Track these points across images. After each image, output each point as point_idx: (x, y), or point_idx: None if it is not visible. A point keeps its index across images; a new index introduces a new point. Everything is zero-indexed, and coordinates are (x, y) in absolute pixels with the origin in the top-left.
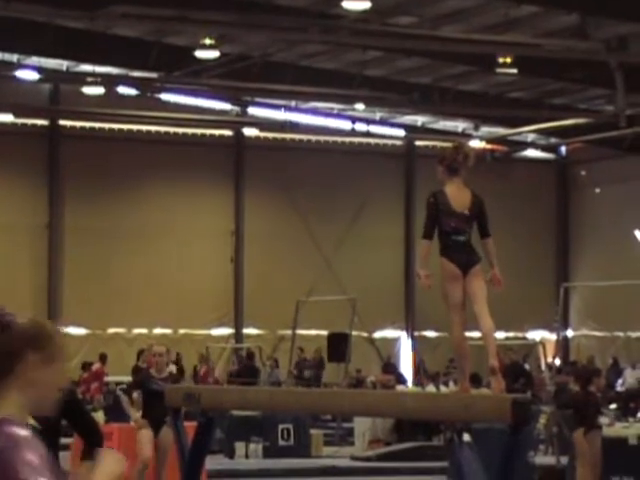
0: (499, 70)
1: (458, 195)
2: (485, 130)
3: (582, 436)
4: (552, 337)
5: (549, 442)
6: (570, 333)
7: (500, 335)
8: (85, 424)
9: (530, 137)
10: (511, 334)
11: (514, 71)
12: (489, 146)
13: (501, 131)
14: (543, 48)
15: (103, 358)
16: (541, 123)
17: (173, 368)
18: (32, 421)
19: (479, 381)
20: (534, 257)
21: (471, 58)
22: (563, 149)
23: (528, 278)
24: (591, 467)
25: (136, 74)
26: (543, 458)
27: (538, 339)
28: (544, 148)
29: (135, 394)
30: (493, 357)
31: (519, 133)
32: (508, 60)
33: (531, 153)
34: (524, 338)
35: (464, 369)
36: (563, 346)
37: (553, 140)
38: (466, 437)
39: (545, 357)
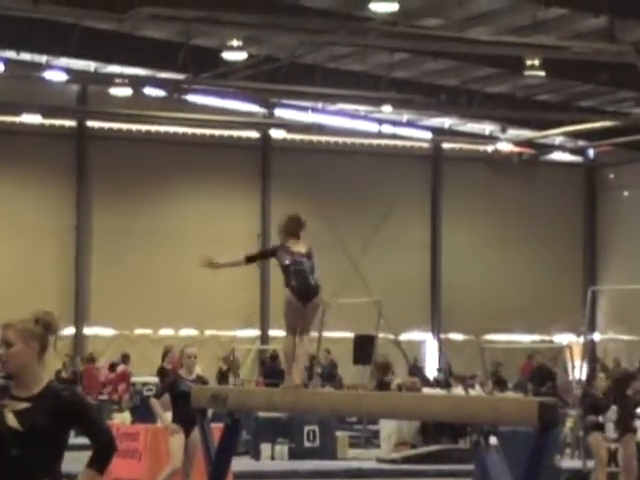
0: (527, 72)
1: (297, 246)
2: (512, 133)
3: (599, 440)
4: (579, 341)
5: (575, 446)
6: (597, 337)
7: (527, 338)
8: (91, 428)
9: (558, 140)
10: (538, 337)
11: (542, 73)
12: (516, 149)
13: (528, 134)
14: (571, 50)
15: (126, 359)
16: (569, 126)
17: (199, 370)
18: (14, 422)
19: (504, 384)
20: (562, 260)
21: (499, 60)
22: (591, 152)
23: (555, 281)
24: (625, 472)
25: (163, 75)
26: (569, 462)
27: (565, 343)
28: (572, 151)
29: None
30: (297, 375)
31: (547, 136)
32: (536, 62)
33: (559, 156)
34: (551, 341)
35: (290, 369)
36: (590, 350)
37: (581, 143)
38: (492, 440)
39: (572, 361)
